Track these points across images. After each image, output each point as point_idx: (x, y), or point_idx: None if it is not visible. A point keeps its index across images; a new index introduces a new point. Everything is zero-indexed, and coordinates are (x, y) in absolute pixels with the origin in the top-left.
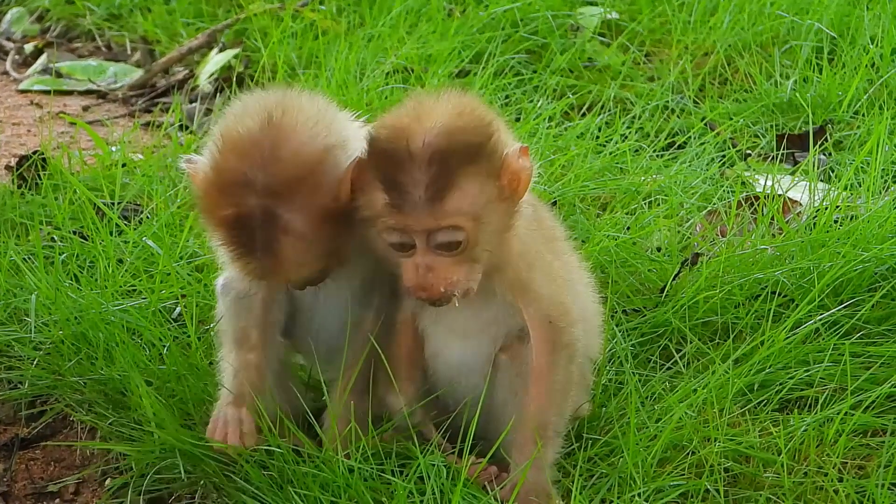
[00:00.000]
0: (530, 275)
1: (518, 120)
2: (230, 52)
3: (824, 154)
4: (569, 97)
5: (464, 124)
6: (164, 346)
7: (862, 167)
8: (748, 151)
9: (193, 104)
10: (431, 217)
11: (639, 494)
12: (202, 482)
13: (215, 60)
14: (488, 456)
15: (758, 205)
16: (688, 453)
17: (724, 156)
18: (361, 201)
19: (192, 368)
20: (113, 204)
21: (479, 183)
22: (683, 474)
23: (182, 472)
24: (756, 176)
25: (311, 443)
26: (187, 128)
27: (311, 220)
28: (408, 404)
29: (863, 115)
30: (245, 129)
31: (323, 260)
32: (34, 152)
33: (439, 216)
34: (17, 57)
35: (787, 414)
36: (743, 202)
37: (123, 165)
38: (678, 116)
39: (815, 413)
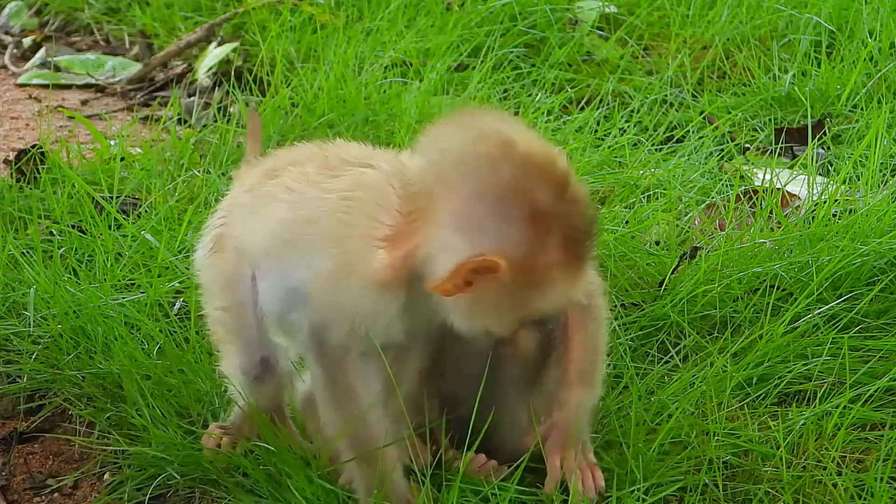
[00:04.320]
0: None
1: (517, 114)
2: (229, 46)
3: (823, 148)
4: (567, 91)
5: None
6: (162, 340)
7: (860, 161)
8: (747, 145)
9: (192, 98)
10: None
11: (638, 488)
12: (199, 480)
13: (214, 54)
14: (474, 446)
15: (756, 198)
16: (686, 447)
17: (722, 149)
18: None
19: (190, 364)
20: (111, 198)
21: None
22: (682, 468)
23: (177, 476)
24: (754, 170)
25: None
26: (186, 122)
27: None
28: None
29: (861, 108)
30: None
31: None
32: (32, 146)
33: None
34: (15, 51)
35: (786, 408)
36: (741, 196)
37: (122, 159)
38: (676, 110)
39: (814, 407)
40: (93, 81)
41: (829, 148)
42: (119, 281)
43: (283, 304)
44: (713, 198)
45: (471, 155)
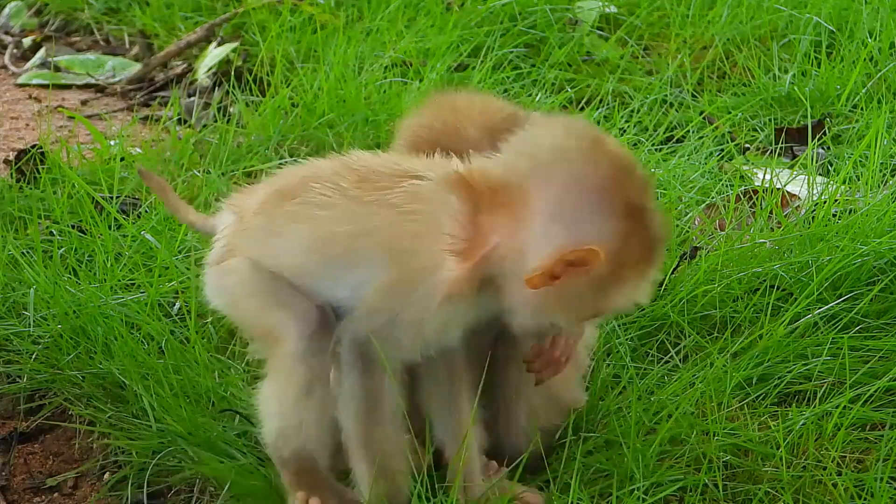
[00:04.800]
0: None
1: None
2: (229, 46)
3: (823, 148)
4: (567, 91)
5: None
6: (164, 339)
7: (860, 161)
8: (746, 145)
9: (192, 98)
10: None
11: (637, 488)
12: (201, 475)
13: (214, 54)
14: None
15: (756, 198)
16: (686, 447)
17: (722, 149)
18: None
19: (190, 363)
20: (111, 198)
21: None
22: (682, 468)
23: (186, 457)
24: (754, 170)
25: None
26: (186, 122)
27: None
28: None
29: (861, 108)
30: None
31: None
32: (32, 146)
33: None
34: (15, 51)
35: (786, 408)
36: (741, 196)
37: (122, 159)
38: (676, 110)
39: (814, 407)
40: (93, 81)
41: (829, 148)
42: (119, 281)
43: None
44: (713, 198)
45: (565, 150)
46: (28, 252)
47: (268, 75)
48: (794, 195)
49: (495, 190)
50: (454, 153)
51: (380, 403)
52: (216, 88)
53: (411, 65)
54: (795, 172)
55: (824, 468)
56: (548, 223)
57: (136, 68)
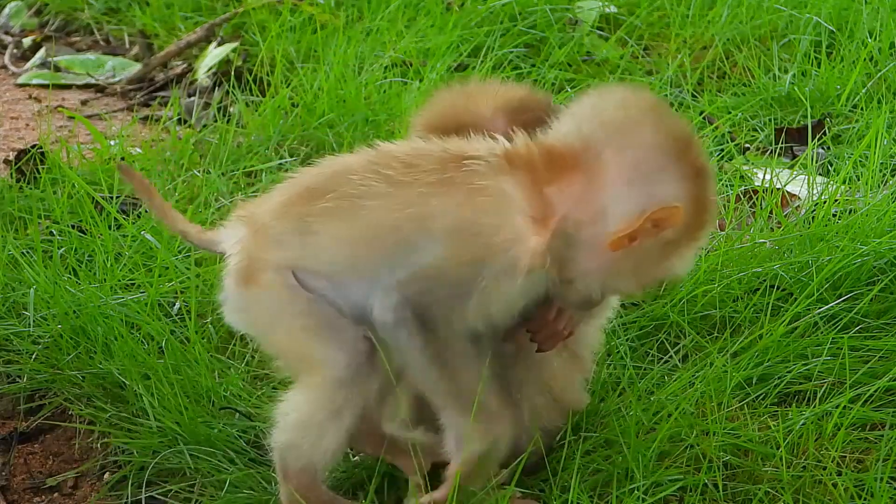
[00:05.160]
0: None
1: None
2: (229, 46)
3: (823, 148)
4: (567, 91)
5: None
6: (164, 338)
7: (860, 161)
8: (746, 145)
9: (192, 98)
10: None
11: (637, 488)
12: (201, 474)
13: (214, 54)
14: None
15: (756, 199)
16: (686, 447)
17: (722, 149)
18: None
19: (190, 362)
20: (111, 198)
21: None
22: (682, 468)
23: (186, 456)
24: (754, 170)
25: None
26: (186, 122)
27: None
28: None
29: (861, 108)
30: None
31: None
32: (32, 146)
33: None
34: (15, 51)
35: (786, 408)
36: (741, 196)
37: (122, 159)
38: (676, 110)
39: (814, 407)
40: (93, 81)
41: (829, 148)
42: (119, 281)
43: (382, 306)
44: None
45: (636, 117)
46: (28, 252)
47: (268, 75)
48: (794, 195)
49: (556, 160)
50: (472, 134)
51: (455, 353)
52: (216, 88)
53: (411, 65)
54: (795, 172)
55: (824, 468)
56: (626, 186)
57: (136, 68)
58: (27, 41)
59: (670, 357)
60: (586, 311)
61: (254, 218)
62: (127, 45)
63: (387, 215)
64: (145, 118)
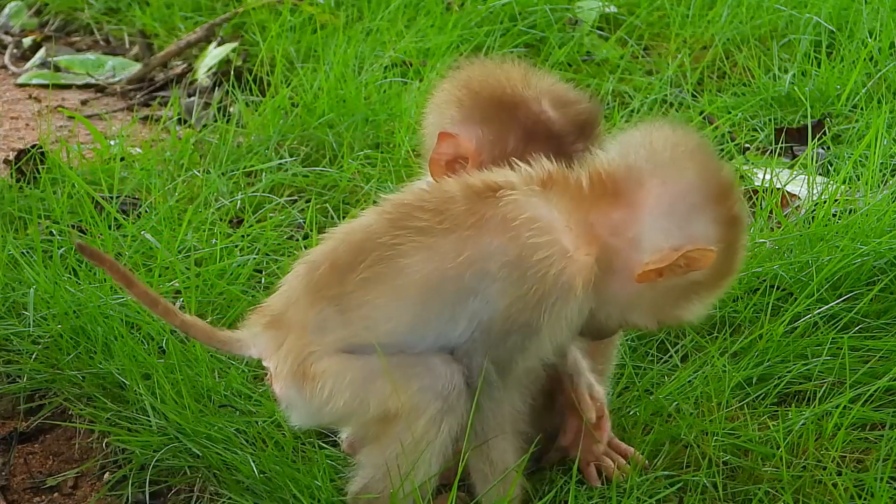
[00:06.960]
0: None
1: None
2: (228, 46)
3: (823, 148)
4: None
5: None
6: (165, 338)
7: (860, 161)
8: (746, 145)
9: (192, 98)
10: None
11: (637, 487)
12: (201, 473)
13: (214, 54)
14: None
15: (756, 198)
16: (686, 447)
17: (722, 149)
18: None
19: (191, 362)
20: (111, 198)
21: None
22: (681, 468)
23: (186, 455)
24: (754, 170)
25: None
26: (186, 122)
27: None
28: None
29: (861, 108)
30: None
31: None
32: (32, 146)
33: None
34: (15, 51)
35: (786, 407)
36: (741, 196)
37: (122, 159)
38: (676, 110)
39: (814, 407)
40: (93, 81)
41: (829, 148)
42: None
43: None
44: None
45: (683, 156)
46: (28, 252)
47: (268, 75)
48: (794, 195)
49: (599, 187)
50: (508, 112)
51: (513, 414)
52: (216, 88)
53: (411, 65)
54: (795, 172)
55: (824, 468)
56: (664, 220)
57: (136, 68)
58: (27, 41)
59: (670, 357)
60: (595, 340)
61: (284, 321)
62: (127, 45)
63: (432, 267)
64: (145, 118)
